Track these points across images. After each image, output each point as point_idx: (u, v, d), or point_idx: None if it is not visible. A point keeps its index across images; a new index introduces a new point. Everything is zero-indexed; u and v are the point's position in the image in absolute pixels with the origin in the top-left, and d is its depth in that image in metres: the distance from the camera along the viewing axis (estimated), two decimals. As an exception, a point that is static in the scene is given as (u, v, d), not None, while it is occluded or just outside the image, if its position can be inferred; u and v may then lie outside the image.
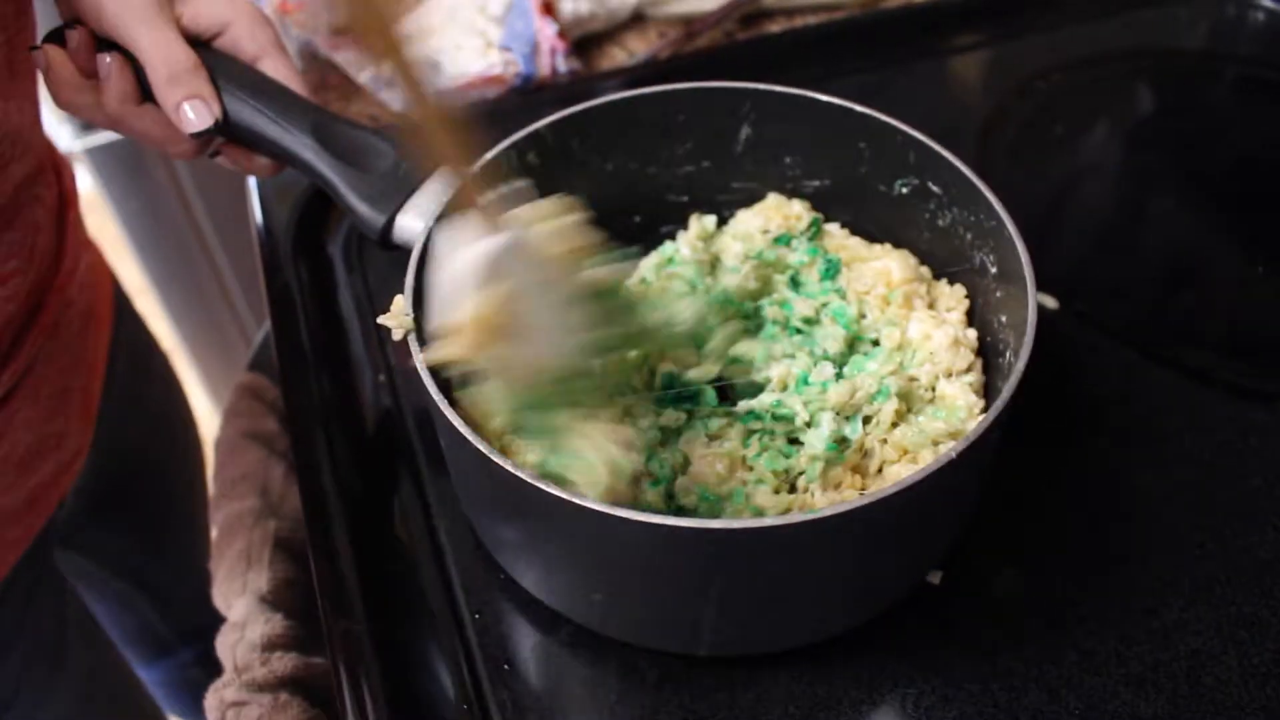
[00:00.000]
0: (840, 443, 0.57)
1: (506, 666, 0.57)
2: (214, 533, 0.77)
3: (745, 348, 0.64)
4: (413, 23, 0.98)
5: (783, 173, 0.71)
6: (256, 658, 0.65)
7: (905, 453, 0.57)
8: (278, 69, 0.63)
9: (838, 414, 0.59)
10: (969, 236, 0.63)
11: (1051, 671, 0.57)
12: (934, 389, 0.60)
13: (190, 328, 1.53)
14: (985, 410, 0.59)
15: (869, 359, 0.62)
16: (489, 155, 0.63)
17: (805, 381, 0.60)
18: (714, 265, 0.69)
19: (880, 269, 0.66)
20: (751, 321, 0.66)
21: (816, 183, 0.71)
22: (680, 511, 0.56)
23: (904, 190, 0.67)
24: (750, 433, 0.59)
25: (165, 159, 1.27)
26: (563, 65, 0.95)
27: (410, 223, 0.61)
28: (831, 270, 0.66)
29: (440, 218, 0.59)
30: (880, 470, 0.58)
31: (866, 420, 0.59)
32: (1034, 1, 1.05)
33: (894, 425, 0.59)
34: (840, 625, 0.58)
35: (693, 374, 0.62)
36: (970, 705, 0.55)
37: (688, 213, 0.73)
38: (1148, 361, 0.72)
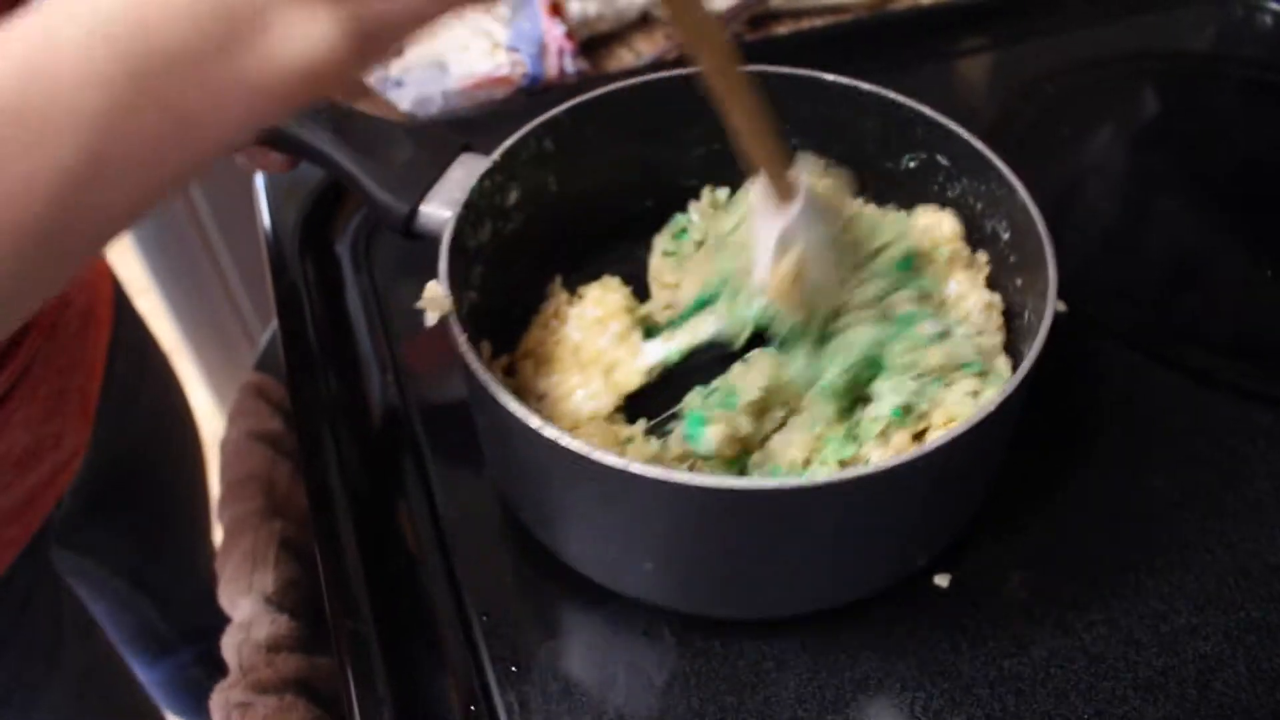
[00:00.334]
0: (905, 410, 0.58)
1: (514, 669, 0.57)
2: (219, 533, 0.77)
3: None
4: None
5: (791, 152, 0.72)
6: (262, 658, 0.65)
7: (953, 419, 0.57)
8: None
9: (921, 375, 0.59)
10: (979, 206, 0.64)
11: (1059, 676, 0.56)
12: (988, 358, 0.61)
13: (194, 327, 1.53)
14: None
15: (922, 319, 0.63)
16: (508, 143, 0.64)
17: (909, 323, 0.61)
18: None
19: (927, 225, 0.67)
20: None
21: (824, 162, 0.71)
22: None
23: (912, 165, 0.68)
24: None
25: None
26: (570, 66, 0.95)
27: (435, 211, 0.61)
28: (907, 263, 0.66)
29: (467, 205, 0.60)
30: (923, 434, 0.58)
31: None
32: (1040, 4, 1.05)
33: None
34: (871, 587, 0.59)
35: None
36: (978, 709, 0.55)
37: (695, 195, 0.74)
38: (1155, 364, 0.72)
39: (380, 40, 0.36)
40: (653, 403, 0.64)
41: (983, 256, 0.67)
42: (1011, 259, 0.62)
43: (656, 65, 0.97)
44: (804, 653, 0.58)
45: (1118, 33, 1.03)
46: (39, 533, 0.77)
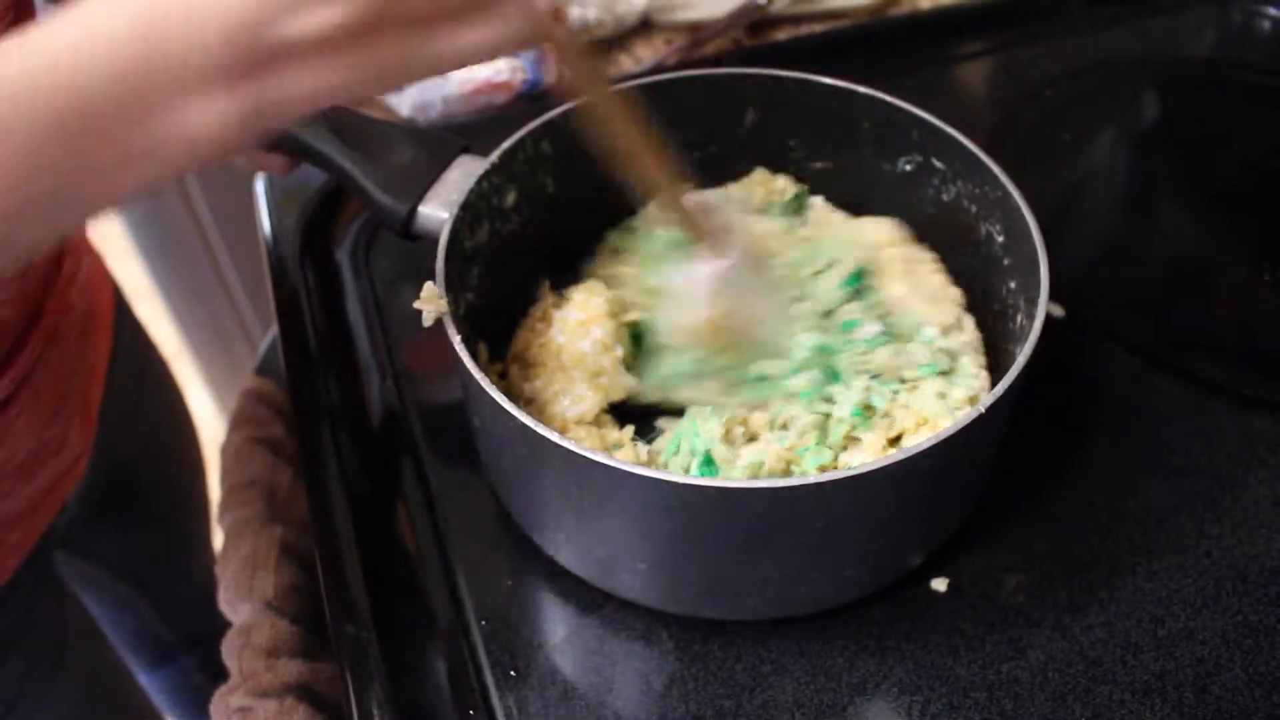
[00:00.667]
0: (866, 409, 0.59)
1: (513, 673, 0.57)
2: (220, 538, 0.77)
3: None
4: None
5: (787, 155, 0.73)
6: (263, 663, 0.65)
7: (925, 421, 0.58)
8: None
9: (875, 378, 0.61)
10: (974, 209, 0.65)
11: (1057, 679, 0.57)
12: (954, 359, 0.62)
13: (195, 332, 1.54)
14: (993, 378, 0.62)
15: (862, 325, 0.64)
16: (506, 144, 0.64)
17: (849, 329, 0.63)
18: None
19: (874, 232, 0.69)
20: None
21: (820, 164, 0.73)
22: None
23: (907, 168, 0.68)
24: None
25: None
26: (563, 75, 0.95)
27: (433, 211, 0.61)
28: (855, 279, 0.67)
29: (464, 206, 0.61)
30: (899, 439, 0.59)
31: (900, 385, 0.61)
32: (1039, 9, 1.05)
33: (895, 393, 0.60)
34: (864, 588, 0.59)
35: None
36: (976, 713, 0.55)
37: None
38: (1155, 370, 0.72)
39: (273, 120, 0.40)
40: (642, 406, 0.64)
41: (931, 255, 0.68)
42: (1006, 262, 0.62)
43: (656, 71, 0.97)
44: (802, 656, 0.58)
45: (1118, 38, 1.03)
46: (43, 538, 0.77)
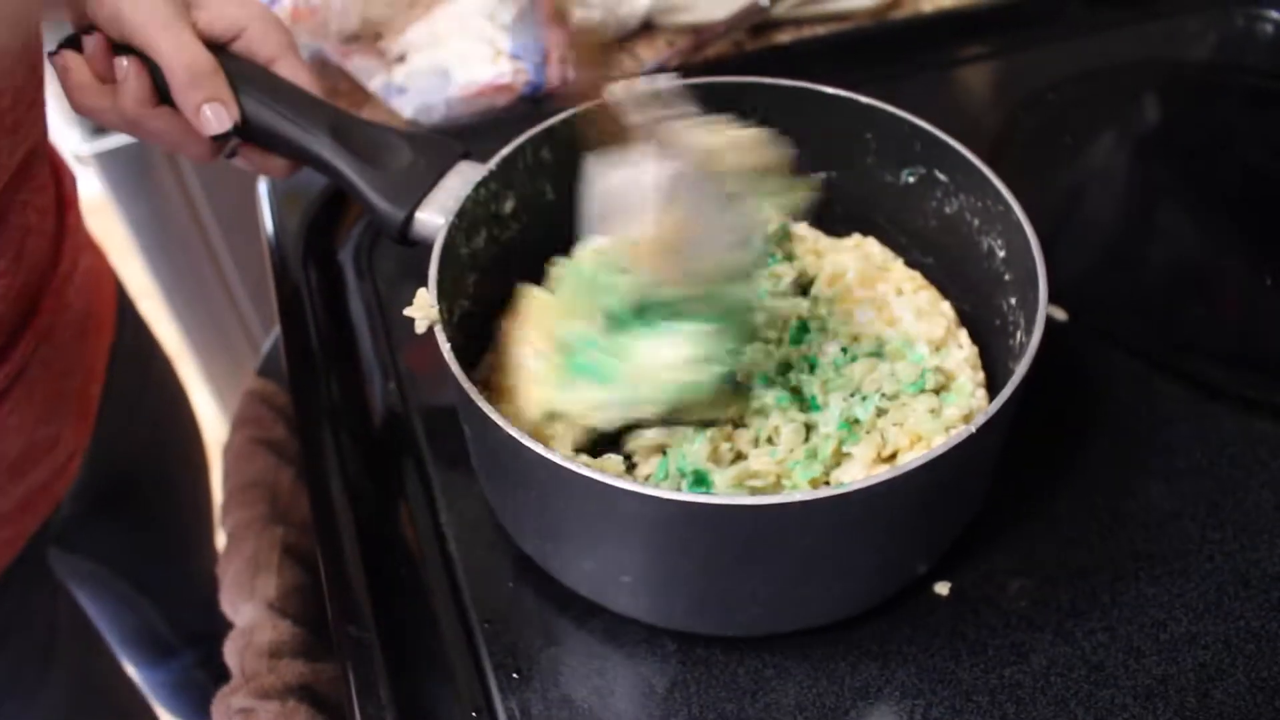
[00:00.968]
0: (852, 423, 0.58)
1: (515, 675, 0.57)
2: (222, 539, 0.77)
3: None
4: (422, 31, 0.98)
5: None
6: (264, 664, 0.65)
7: (919, 439, 0.58)
8: (293, 72, 0.64)
9: (852, 394, 0.60)
10: (976, 222, 0.64)
11: (1059, 684, 0.57)
12: (948, 375, 0.62)
13: (197, 332, 1.54)
14: (990, 393, 0.61)
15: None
16: (504, 151, 0.64)
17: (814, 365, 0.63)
18: None
19: (835, 268, 0.69)
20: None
21: (823, 174, 0.72)
22: None
23: (911, 179, 0.68)
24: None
25: (173, 164, 1.28)
26: (572, 74, 0.95)
27: (430, 217, 0.61)
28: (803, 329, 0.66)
29: (460, 213, 0.60)
30: (894, 456, 0.58)
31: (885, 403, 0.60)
32: (1042, 13, 1.05)
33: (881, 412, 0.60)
34: (861, 604, 0.59)
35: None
36: (978, 717, 0.55)
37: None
38: (1157, 373, 0.72)
39: None
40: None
41: (914, 273, 0.68)
42: (1007, 277, 0.62)
43: (658, 73, 0.97)
44: (804, 661, 0.58)
45: (1120, 42, 1.03)
46: (35, 537, 0.77)
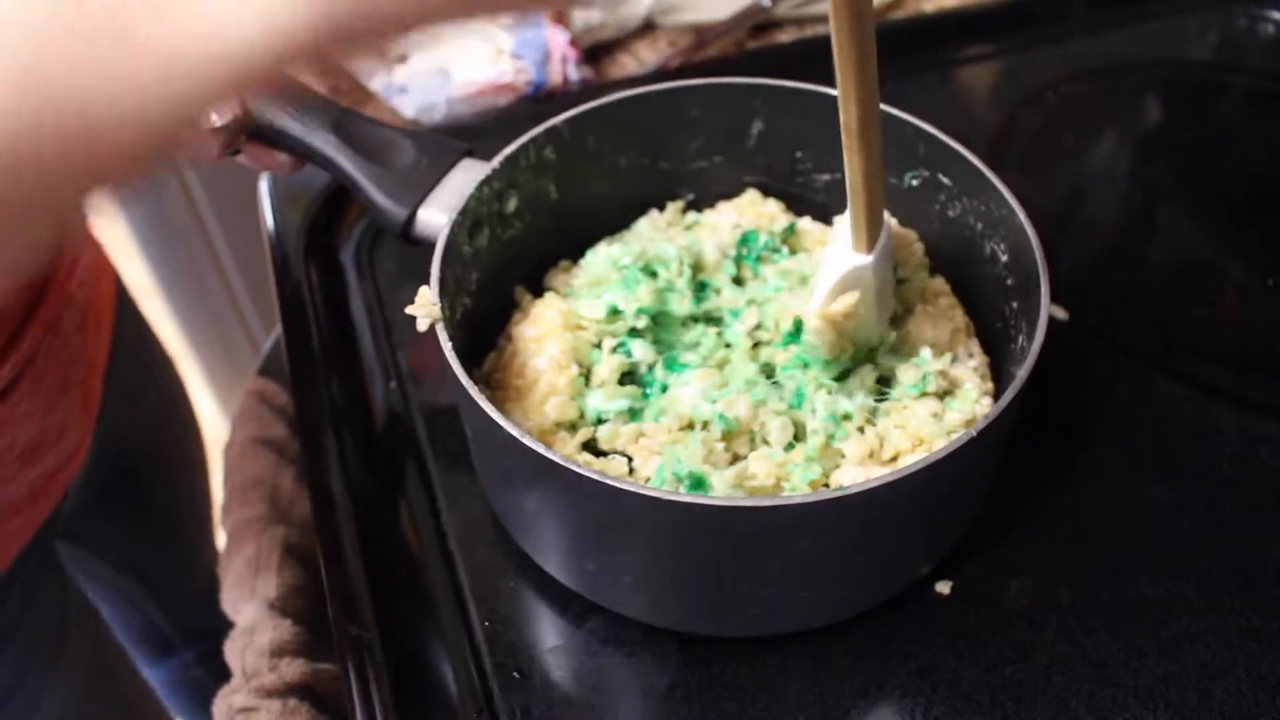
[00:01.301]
0: (843, 417, 0.58)
1: (516, 674, 0.57)
2: (223, 538, 0.77)
3: None
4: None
5: (794, 167, 0.72)
6: (265, 664, 0.65)
7: (920, 442, 0.58)
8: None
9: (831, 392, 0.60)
10: (979, 226, 0.64)
11: (1060, 683, 0.57)
12: (953, 381, 0.61)
13: (197, 331, 1.54)
14: (995, 396, 0.61)
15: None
16: (508, 150, 0.64)
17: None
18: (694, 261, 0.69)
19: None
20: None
21: (828, 176, 0.72)
22: None
23: (914, 183, 0.67)
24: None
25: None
26: (574, 74, 0.95)
27: (432, 216, 0.61)
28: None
29: (463, 211, 0.60)
30: (895, 459, 0.58)
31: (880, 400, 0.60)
32: (1043, 13, 1.05)
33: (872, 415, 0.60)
34: (861, 606, 0.59)
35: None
36: (980, 716, 0.55)
37: (700, 208, 0.74)
38: (1157, 374, 0.72)
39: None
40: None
41: (939, 282, 0.67)
42: (1009, 281, 0.61)
43: (660, 72, 0.97)
44: (805, 659, 0.58)
45: (1121, 41, 1.03)
46: (44, 526, 0.77)
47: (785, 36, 1.04)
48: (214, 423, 1.59)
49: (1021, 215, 0.59)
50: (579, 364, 0.62)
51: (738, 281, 0.68)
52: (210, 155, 0.65)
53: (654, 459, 0.59)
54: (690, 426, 0.59)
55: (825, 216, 0.72)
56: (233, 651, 0.68)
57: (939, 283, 0.67)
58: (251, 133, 0.63)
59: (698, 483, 0.56)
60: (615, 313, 0.63)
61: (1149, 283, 0.81)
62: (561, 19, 0.97)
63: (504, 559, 0.63)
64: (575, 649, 0.59)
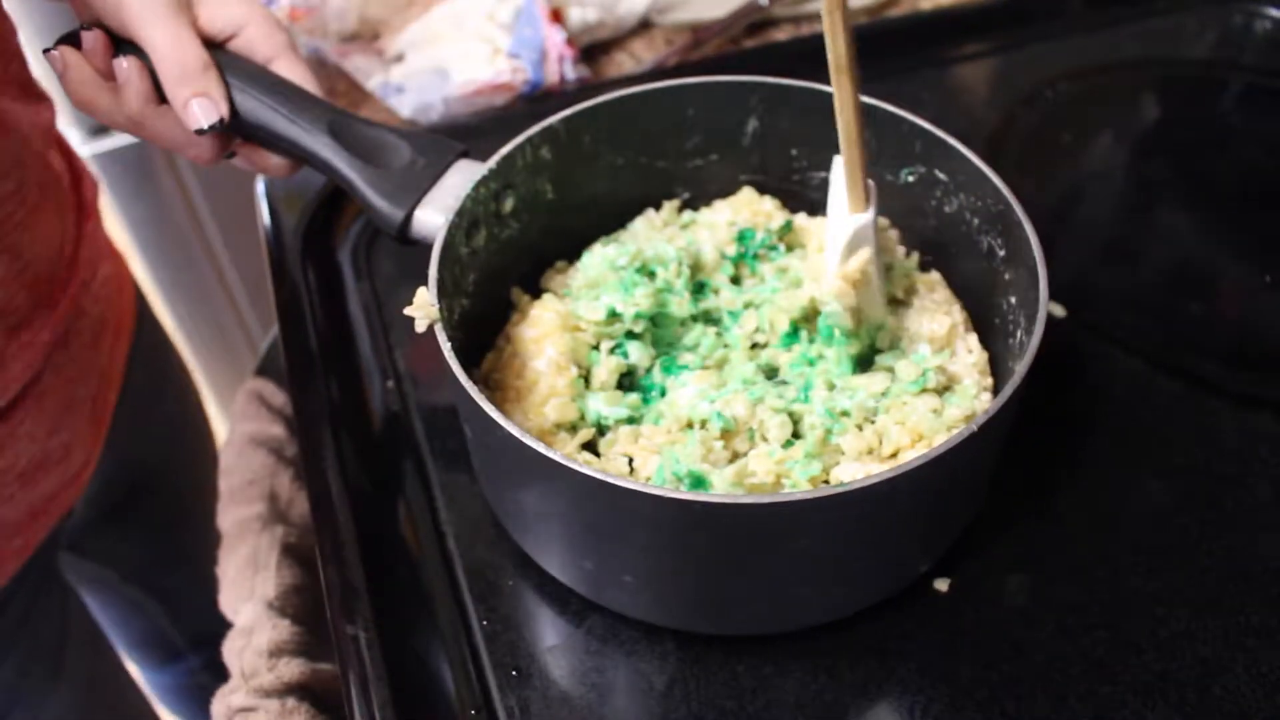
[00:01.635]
0: (842, 414, 0.59)
1: (514, 673, 0.57)
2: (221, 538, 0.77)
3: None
4: (419, 30, 0.98)
5: (790, 164, 0.72)
6: (264, 664, 0.65)
7: (920, 438, 0.58)
8: (292, 70, 0.64)
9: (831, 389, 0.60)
10: (975, 221, 0.64)
11: (1059, 680, 0.57)
12: (952, 378, 0.62)
13: (195, 332, 1.53)
14: (994, 392, 0.61)
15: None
16: (504, 150, 0.64)
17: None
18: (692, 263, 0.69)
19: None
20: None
21: (823, 173, 0.71)
22: None
23: (910, 179, 0.67)
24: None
25: (172, 164, 1.28)
26: (571, 72, 0.95)
27: (429, 217, 0.61)
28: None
29: (460, 212, 0.60)
30: (895, 455, 0.58)
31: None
32: (1041, 10, 1.05)
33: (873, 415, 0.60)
34: (860, 603, 0.59)
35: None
36: (978, 713, 0.55)
37: (696, 206, 0.74)
38: (1156, 370, 0.72)
39: None
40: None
41: (935, 276, 0.67)
42: (1006, 276, 0.62)
43: (656, 71, 0.97)
44: (804, 657, 0.58)
45: (1118, 39, 1.03)
46: (45, 543, 0.77)
47: (781, 35, 1.04)
48: (212, 423, 1.59)
49: (1019, 210, 0.59)
50: (578, 365, 0.62)
51: (735, 281, 0.68)
52: (206, 158, 0.65)
53: (653, 459, 0.59)
54: (689, 426, 0.59)
55: (821, 213, 0.72)
56: (231, 651, 0.68)
57: (935, 277, 0.67)
58: (247, 135, 0.63)
59: (697, 481, 0.55)
60: (614, 315, 0.63)
61: (1147, 279, 0.81)
62: (559, 18, 0.97)
63: (502, 558, 0.63)
64: (574, 648, 0.59)
